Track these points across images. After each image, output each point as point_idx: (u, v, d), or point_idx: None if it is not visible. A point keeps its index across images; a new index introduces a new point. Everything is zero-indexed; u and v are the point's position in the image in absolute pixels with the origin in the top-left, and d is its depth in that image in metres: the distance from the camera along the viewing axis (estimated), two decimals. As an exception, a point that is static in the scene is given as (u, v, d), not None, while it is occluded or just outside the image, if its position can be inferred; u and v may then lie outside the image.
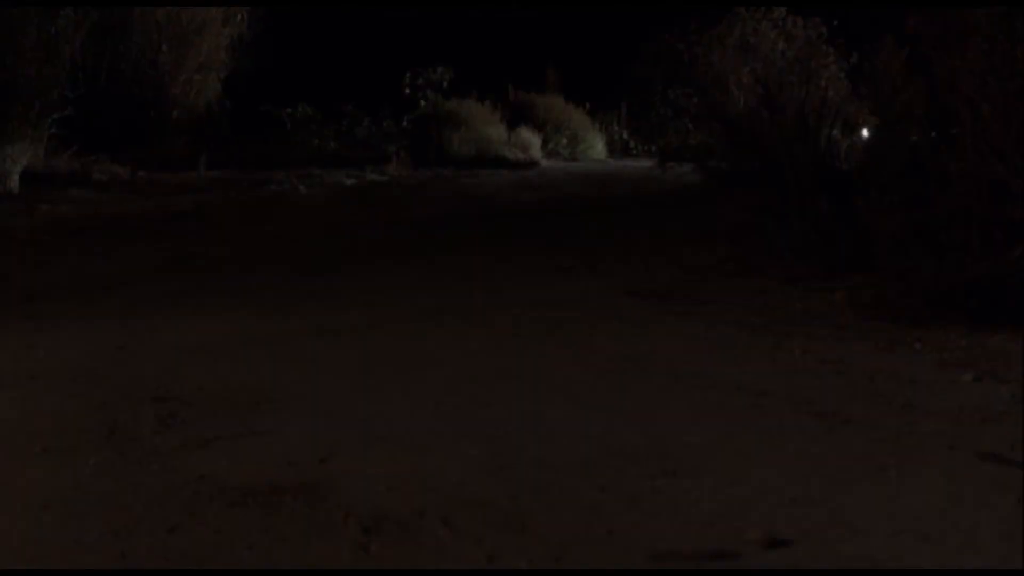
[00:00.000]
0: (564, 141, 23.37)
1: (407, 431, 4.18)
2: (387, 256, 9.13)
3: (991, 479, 3.53)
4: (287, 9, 21.44)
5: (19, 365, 5.41)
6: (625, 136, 25.45)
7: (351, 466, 3.73)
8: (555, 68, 25.31)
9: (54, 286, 7.65)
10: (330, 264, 8.58)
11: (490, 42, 24.19)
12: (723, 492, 3.44)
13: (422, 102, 21.97)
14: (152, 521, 3.25)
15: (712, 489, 3.47)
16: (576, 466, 3.69)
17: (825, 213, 7.38)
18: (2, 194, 13.29)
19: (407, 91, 21.89)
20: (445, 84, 22.03)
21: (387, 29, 23.86)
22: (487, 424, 4.25)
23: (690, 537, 3.10)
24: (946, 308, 5.93)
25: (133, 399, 4.71)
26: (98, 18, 16.95)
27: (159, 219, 11.61)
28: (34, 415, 4.53)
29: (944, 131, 6.84)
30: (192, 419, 4.42)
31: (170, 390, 4.86)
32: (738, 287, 7.11)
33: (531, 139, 22.23)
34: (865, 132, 18.99)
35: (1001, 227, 5.98)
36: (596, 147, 24.09)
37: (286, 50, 20.85)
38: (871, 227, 6.83)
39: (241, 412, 4.53)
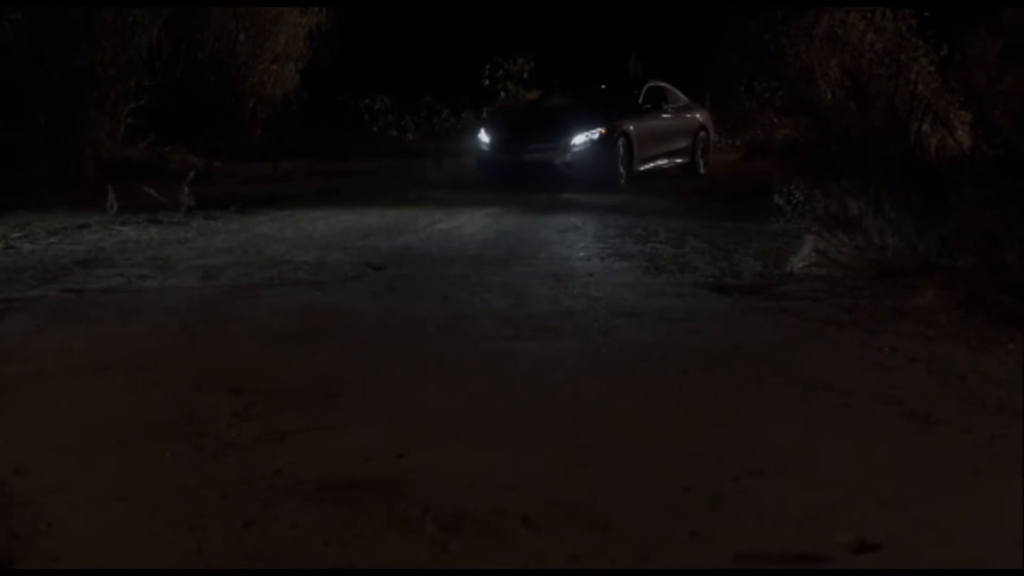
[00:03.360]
0: (646, 133, 23.21)
1: (485, 427, 4.13)
2: (469, 250, 9.08)
3: (1089, 484, 3.41)
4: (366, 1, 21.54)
5: (95, 356, 5.43)
6: (709, 129, 25.24)
7: (428, 462, 3.69)
8: (637, 58, 25.15)
9: (125, 276, 7.71)
10: (408, 259, 8.54)
11: (572, 32, 24.13)
12: (810, 493, 3.36)
13: (502, 93, 21.93)
14: (228, 515, 3.24)
15: (799, 490, 3.39)
16: (659, 465, 3.62)
17: (916, 208, 7.22)
18: (78, 183, 13.40)
19: (486, 82, 21.87)
20: (525, 75, 21.98)
21: (467, 19, 23.89)
22: (566, 420, 4.19)
23: (776, 539, 3.03)
24: (1041, 306, 5.78)
25: (208, 391, 4.70)
26: (175, 8, 17.06)
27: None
28: (110, 406, 4.54)
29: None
30: (267, 411, 4.41)
31: (245, 382, 4.85)
32: (825, 283, 6.99)
33: (611, 130, 22.10)
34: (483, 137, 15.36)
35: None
36: (679, 139, 23.89)
37: (364, 40, 20.94)
38: (964, 222, 6.68)
39: (316, 404, 4.51)
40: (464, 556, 2.96)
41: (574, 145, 14.94)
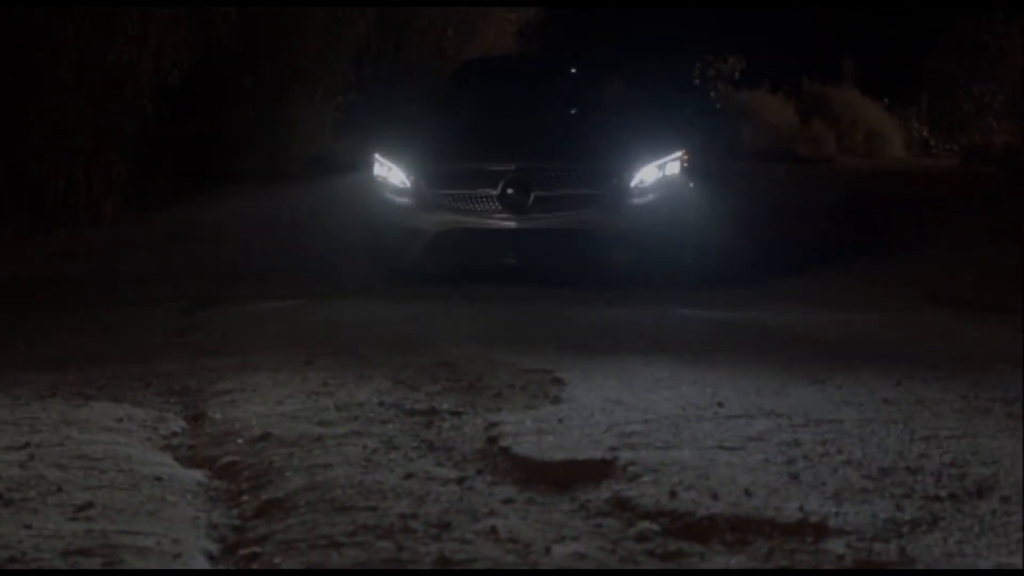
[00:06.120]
0: (860, 137, 22.74)
1: (695, 429, 4.09)
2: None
3: None
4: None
5: (302, 349, 5.55)
6: (924, 133, 24.57)
7: (637, 463, 3.65)
8: (851, 60, 24.64)
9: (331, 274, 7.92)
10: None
11: (784, 31, 23.77)
12: (1027, 515, 3.23)
13: (712, 93, 21.75)
14: (428, 515, 3.22)
15: (1017, 511, 3.25)
16: (871, 479, 3.52)
17: None
18: (285, 176, 13.74)
19: (696, 82, 21.70)
20: (736, 75, 21.77)
21: (678, 16, 23.74)
22: (776, 427, 4.11)
23: (992, 560, 2.92)
24: None
25: (413, 385, 4.77)
26: (384, 5, 17.32)
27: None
28: (320, 397, 4.63)
29: None
30: (476, 404, 4.45)
31: (459, 371, 4.91)
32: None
33: (825, 133, 21.73)
34: None
35: None
36: (893, 144, 23.35)
37: (570, 37, 20.97)
38: None
39: (529, 395, 4.55)
40: (670, 560, 2.92)
41: (636, 188, 7.63)
